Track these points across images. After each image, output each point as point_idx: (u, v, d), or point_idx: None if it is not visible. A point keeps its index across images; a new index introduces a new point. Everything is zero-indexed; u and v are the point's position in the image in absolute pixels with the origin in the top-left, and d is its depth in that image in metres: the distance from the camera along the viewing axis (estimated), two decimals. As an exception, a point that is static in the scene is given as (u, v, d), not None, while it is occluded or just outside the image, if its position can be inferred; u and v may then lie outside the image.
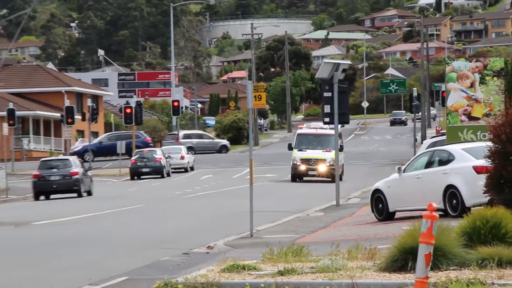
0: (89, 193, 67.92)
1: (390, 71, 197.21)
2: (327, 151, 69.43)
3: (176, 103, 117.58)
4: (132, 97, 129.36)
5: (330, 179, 65.89)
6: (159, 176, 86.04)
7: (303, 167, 70.47)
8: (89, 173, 70.55)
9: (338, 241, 27.13)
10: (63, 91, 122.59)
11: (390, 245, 22.49)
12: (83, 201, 64.50)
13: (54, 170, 67.64)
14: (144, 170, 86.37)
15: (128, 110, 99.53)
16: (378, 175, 55.37)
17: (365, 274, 20.94)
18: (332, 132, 63.01)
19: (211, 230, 36.24)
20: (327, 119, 50.00)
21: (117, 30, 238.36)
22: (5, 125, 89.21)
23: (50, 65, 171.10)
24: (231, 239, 32.88)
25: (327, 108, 47.93)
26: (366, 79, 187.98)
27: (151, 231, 38.28)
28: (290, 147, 74.49)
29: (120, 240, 34.82)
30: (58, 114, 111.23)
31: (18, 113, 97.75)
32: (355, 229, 34.86)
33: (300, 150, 71.06)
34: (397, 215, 36.93)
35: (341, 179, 59.85)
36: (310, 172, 70.51)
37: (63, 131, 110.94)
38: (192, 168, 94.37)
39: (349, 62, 61.33)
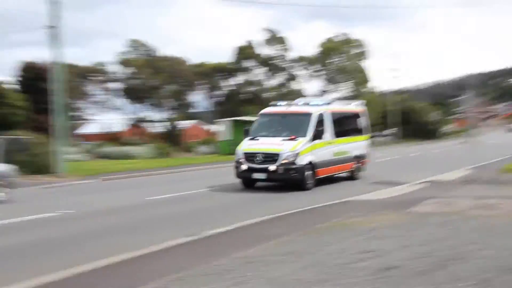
0: None
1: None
2: (291, 139, 21.68)
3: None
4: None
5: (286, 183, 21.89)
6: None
7: (244, 167, 21.74)
8: None
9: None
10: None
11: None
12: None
13: None
14: None
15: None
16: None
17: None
18: (311, 110, 22.95)
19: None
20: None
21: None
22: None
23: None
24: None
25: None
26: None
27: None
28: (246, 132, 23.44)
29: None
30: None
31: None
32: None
33: (252, 138, 22.47)
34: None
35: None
36: (255, 175, 21.57)
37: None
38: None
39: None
